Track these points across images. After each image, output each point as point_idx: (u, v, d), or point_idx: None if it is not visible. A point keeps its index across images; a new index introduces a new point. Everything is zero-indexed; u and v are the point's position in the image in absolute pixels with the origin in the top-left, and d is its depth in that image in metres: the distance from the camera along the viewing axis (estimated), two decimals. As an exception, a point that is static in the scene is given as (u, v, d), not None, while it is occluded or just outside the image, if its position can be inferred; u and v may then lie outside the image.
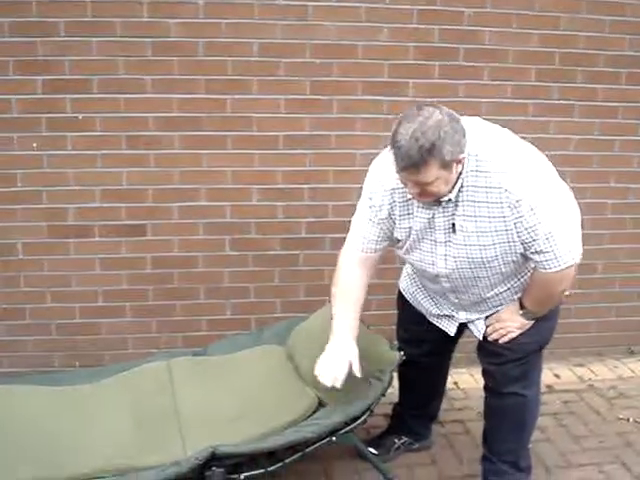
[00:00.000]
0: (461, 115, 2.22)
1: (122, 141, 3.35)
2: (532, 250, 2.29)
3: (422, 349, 2.80)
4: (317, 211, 3.57)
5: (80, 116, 3.30)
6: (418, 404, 3.07)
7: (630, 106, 3.72)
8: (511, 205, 2.20)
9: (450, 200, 2.28)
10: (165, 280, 3.56)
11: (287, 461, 2.49)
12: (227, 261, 3.57)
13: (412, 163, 2.10)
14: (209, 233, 3.52)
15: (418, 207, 2.36)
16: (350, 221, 3.45)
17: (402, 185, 2.29)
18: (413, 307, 2.80)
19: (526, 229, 2.24)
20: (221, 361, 3.01)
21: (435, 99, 3.46)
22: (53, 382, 2.94)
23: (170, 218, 3.47)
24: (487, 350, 2.64)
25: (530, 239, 2.26)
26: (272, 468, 2.47)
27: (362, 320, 2.89)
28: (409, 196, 2.31)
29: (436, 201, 2.29)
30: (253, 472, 2.45)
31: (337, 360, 2.45)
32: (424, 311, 2.75)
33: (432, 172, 2.13)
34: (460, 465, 3.07)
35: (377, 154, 3.46)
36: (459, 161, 2.17)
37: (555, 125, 3.66)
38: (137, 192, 3.42)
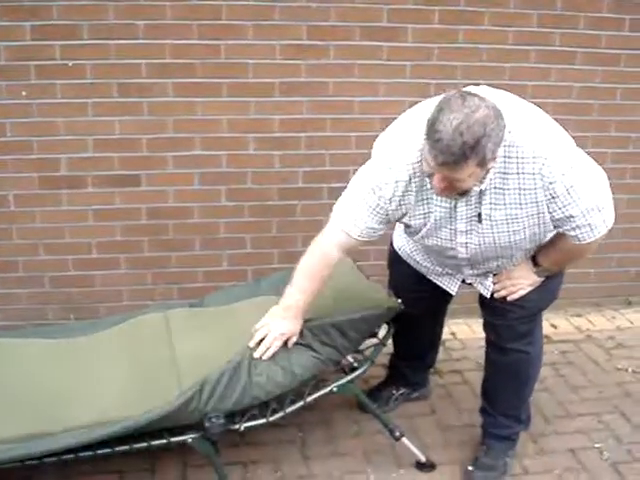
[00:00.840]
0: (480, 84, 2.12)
1: (113, 89, 3.26)
2: (567, 227, 2.19)
3: (417, 308, 2.73)
4: (314, 160, 3.50)
5: (70, 63, 3.20)
6: (414, 356, 3.05)
7: (633, 54, 3.63)
8: (545, 187, 2.07)
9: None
10: (160, 231, 3.50)
11: (288, 411, 2.47)
12: (223, 212, 3.52)
13: (452, 160, 1.90)
14: (204, 183, 3.46)
15: (438, 196, 2.20)
16: (349, 171, 3.47)
17: (419, 173, 2.14)
18: (409, 266, 2.71)
19: (560, 209, 2.12)
20: (219, 312, 2.96)
21: (435, 45, 3.42)
22: (48, 335, 2.88)
23: (165, 168, 3.40)
24: (493, 307, 2.56)
25: (565, 218, 2.15)
26: (273, 418, 2.46)
27: (361, 269, 2.87)
28: (428, 185, 2.16)
29: (460, 194, 2.12)
30: (253, 422, 2.44)
31: (276, 333, 2.43)
32: (423, 270, 2.67)
33: (469, 170, 1.95)
34: (459, 415, 3.07)
35: (375, 102, 3.46)
36: (495, 158, 2.00)
37: (557, 72, 3.58)
38: (130, 141, 3.34)
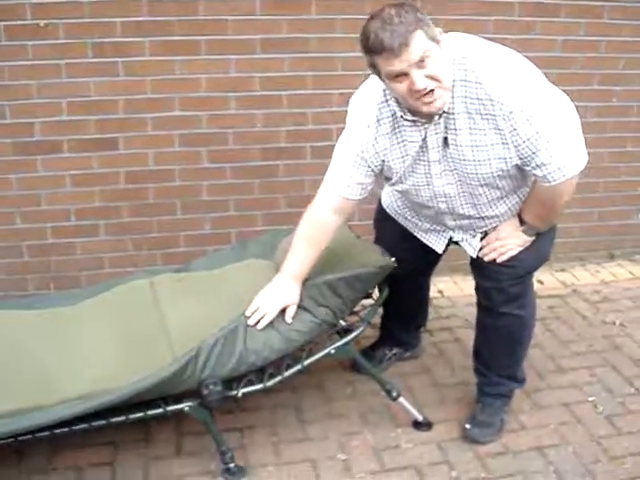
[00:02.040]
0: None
1: (88, 49, 3.13)
2: (533, 164, 2.13)
3: (403, 267, 2.67)
4: (297, 119, 3.42)
5: (42, 23, 3.06)
6: (404, 316, 3.02)
7: (616, 5, 3.59)
8: (505, 117, 2.04)
9: (444, 112, 2.10)
10: (140, 195, 3.41)
11: (285, 375, 2.44)
12: (204, 174, 3.43)
13: (402, 37, 1.90)
14: (185, 145, 3.36)
15: (409, 130, 2.20)
16: (332, 129, 3.41)
17: (387, 113, 2.20)
18: (396, 224, 2.68)
19: (524, 142, 2.07)
20: (206, 276, 2.89)
21: None
22: (30, 306, 2.80)
23: (143, 130, 3.30)
24: (483, 268, 2.52)
25: (529, 152, 2.09)
26: (270, 383, 2.42)
27: (351, 228, 2.82)
28: (399, 121, 2.19)
29: (429, 117, 2.12)
30: (251, 388, 2.40)
31: (274, 301, 2.40)
32: (411, 226, 2.64)
33: (422, 42, 1.93)
34: (452, 372, 3.06)
35: (358, 58, 3.36)
36: (439, 42, 1.99)
37: (541, 25, 3.53)
38: (106, 103, 3.23)
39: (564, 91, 3.51)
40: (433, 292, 3.60)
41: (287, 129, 3.43)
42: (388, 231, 2.74)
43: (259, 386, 2.41)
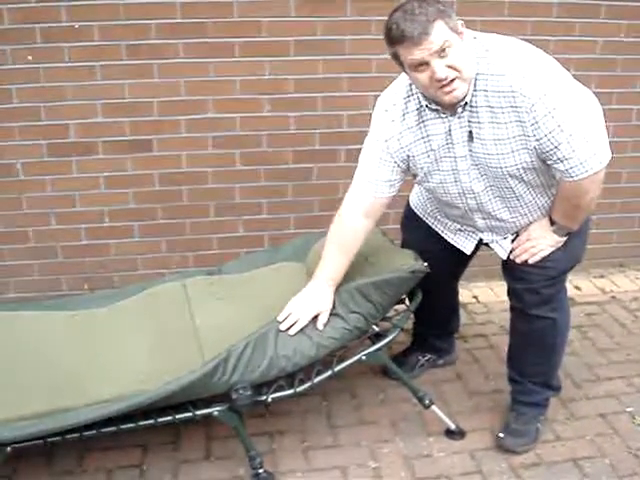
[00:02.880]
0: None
1: (122, 51, 3.14)
2: (555, 158, 2.11)
3: (431, 270, 2.62)
4: (331, 121, 3.39)
5: (77, 25, 3.08)
6: (435, 321, 2.98)
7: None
8: (527, 110, 2.05)
9: (466, 105, 2.12)
10: (174, 197, 3.41)
11: (315, 381, 2.41)
12: (238, 176, 3.42)
13: (422, 27, 1.95)
14: (218, 147, 3.35)
15: (433, 123, 2.22)
16: (366, 132, 3.36)
17: (412, 107, 2.23)
18: (424, 225, 2.65)
19: (546, 135, 2.06)
20: (237, 279, 2.88)
21: (455, -1, 3.29)
22: (64, 307, 2.82)
23: (177, 132, 3.30)
24: (515, 270, 2.47)
25: (551, 146, 2.08)
26: (300, 389, 2.40)
27: (384, 233, 2.79)
28: (423, 115, 2.22)
29: (452, 109, 2.15)
30: (280, 393, 2.38)
31: (306, 308, 2.39)
32: (439, 226, 2.61)
33: (443, 32, 1.98)
34: (486, 380, 3.01)
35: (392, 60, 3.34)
36: (461, 34, 2.05)
37: (581, 26, 3.45)
38: (141, 105, 3.24)
39: (605, 94, 3.50)
40: (468, 298, 3.58)
41: (321, 131, 3.40)
42: (415, 233, 2.70)
43: (289, 392, 2.39)
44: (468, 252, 2.60)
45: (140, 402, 2.21)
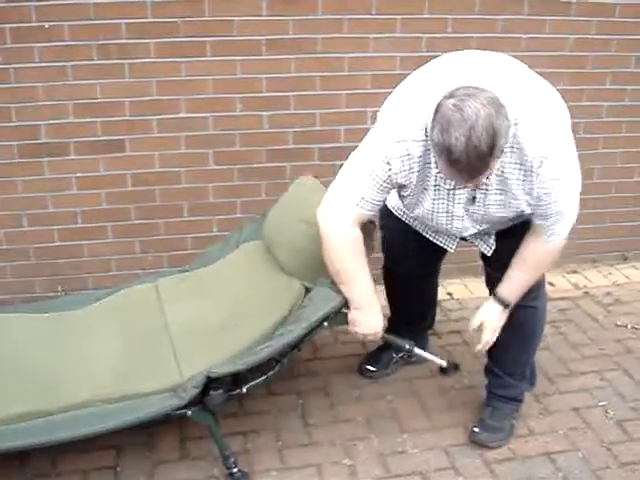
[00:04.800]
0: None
1: (93, 51, 3.11)
2: (539, 216, 2.21)
3: (410, 266, 2.67)
4: (304, 120, 3.38)
5: (47, 25, 3.05)
6: (411, 319, 2.97)
7: (628, 3, 3.53)
8: (539, 187, 2.09)
9: None
10: (147, 198, 3.39)
11: (285, 361, 2.44)
12: (211, 176, 3.40)
13: (476, 172, 1.93)
14: (191, 147, 3.33)
15: (441, 177, 2.15)
16: (340, 131, 3.39)
17: (421, 152, 2.10)
18: (403, 224, 2.61)
19: (540, 206, 2.15)
20: (206, 273, 2.88)
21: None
22: (38, 310, 2.81)
23: (149, 132, 3.27)
24: (497, 261, 2.48)
25: (542, 213, 2.18)
26: (272, 372, 2.42)
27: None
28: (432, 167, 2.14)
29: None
30: (254, 382, 2.40)
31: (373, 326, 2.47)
32: (420, 227, 2.58)
33: (491, 169, 1.98)
34: (460, 377, 3.01)
35: (365, 58, 3.34)
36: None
37: (551, 24, 3.47)
38: (113, 105, 3.20)
39: (576, 91, 3.52)
40: (442, 294, 3.59)
41: (294, 130, 3.40)
42: (395, 231, 2.68)
43: (262, 378, 2.40)
44: (452, 250, 2.59)
45: (125, 422, 2.22)
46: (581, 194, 3.66)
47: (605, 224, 3.96)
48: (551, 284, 3.75)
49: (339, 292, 2.40)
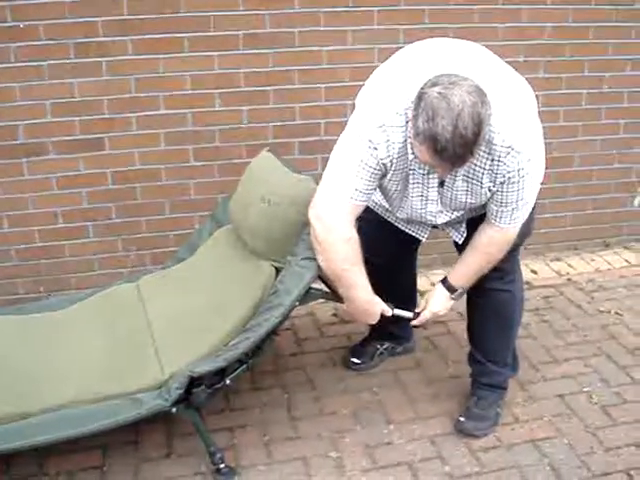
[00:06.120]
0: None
1: (70, 49, 3.09)
2: (496, 202, 2.22)
3: (385, 256, 2.65)
4: (284, 114, 3.38)
5: (22, 24, 3.02)
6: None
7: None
8: (503, 173, 2.10)
9: None
10: (128, 196, 3.37)
11: (264, 348, 2.47)
12: (192, 172, 3.40)
13: (461, 159, 1.95)
14: (171, 143, 3.32)
15: (416, 161, 2.14)
16: (319, 124, 3.38)
17: (402, 138, 2.09)
18: (374, 214, 2.58)
19: (501, 192, 2.17)
20: (183, 268, 2.88)
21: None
22: (19, 312, 2.79)
23: (128, 130, 3.26)
24: None
25: (501, 198, 2.19)
26: (252, 360, 2.44)
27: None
28: (410, 154, 2.13)
29: None
30: (236, 373, 2.40)
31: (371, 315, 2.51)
32: (391, 217, 2.57)
33: (468, 162, 2.01)
34: (445, 366, 3.03)
35: (343, 50, 3.34)
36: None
37: (527, 13, 3.48)
38: (91, 104, 3.18)
39: (555, 79, 3.53)
40: (426, 285, 3.59)
41: (274, 125, 3.39)
42: (368, 222, 2.57)
43: (243, 367, 2.41)
44: (423, 239, 2.60)
45: (109, 423, 2.22)
46: (561, 182, 3.79)
47: (587, 211, 3.98)
48: (534, 272, 3.78)
49: (308, 268, 2.37)
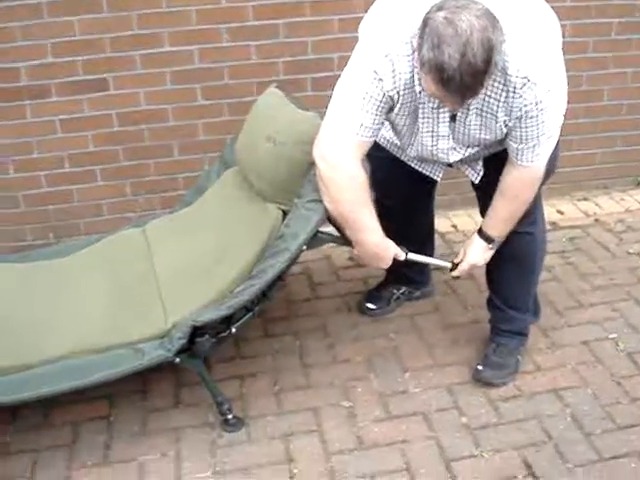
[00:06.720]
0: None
1: (68, -17, 2.96)
2: (515, 139, 2.07)
3: (399, 197, 2.54)
4: (295, 49, 3.21)
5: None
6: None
7: None
8: (519, 107, 1.95)
9: None
10: (135, 138, 3.25)
11: (271, 294, 2.37)
12: (200, 112, 3.26)
13: (470, 91, 1.80)
14: (177, 82, 3.18)
15: (424, 95, 1.99)
16: (333, 59, 3.21)
17: (409, 68, 1.93)
18: (387, 152, 2.45)
19: (521, 128, 2.02)
20: (191, 211, 2.78)
21: None
22: (24, 260, 2.72)
23: (132, 69, 3.12)
24: (489, 188, 2.31)
25: (520, 134, 2.04)
26: (258, 307, 2.34)
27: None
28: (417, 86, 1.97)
29: None
30: (242, 321, 2.31)
31: (383, 260, 2.36)
32: (403, 156, 2.42)
33: (478, 93, 1.85)
34: (464, 311, 2.92)
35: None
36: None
37: None
38: (92, 42, 3.04)
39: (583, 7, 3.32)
40: (447, 227, 3.48)
41: (285, 60, 3.23)
42: (379, 160, 2.44)
43: (249, 315, 2.32)
44: (438, 179, 2.46)
45: (115, 372, 2.16)
46: (590, 117, 3.60)
47: (616, 147, 3.78)
48: (560, 212, 3.62)
49: (315, 210, 2.24)
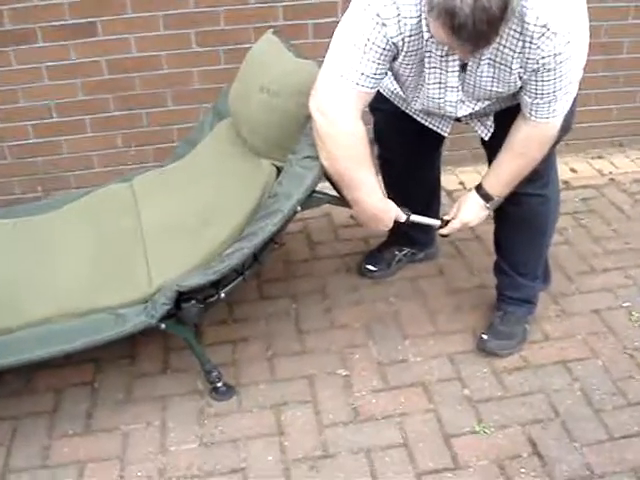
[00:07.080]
0: None
1: None
2: (531, 93, 1.92)
3: (399, 155, 2.40)
4: (295, -8, 3.02)
5: None
6: (412, 209, 2.68)
7: None
8: (536, 59, 1.79)
9: None
10: (126, 86, 3.09)
11: (262, 258, 2.24)
12: (195, 59, 3.08)
13: (483, 41, 1.64)
14: (171, 27, 2.99)
15: (432, 41, 1.83)
16: (336, 3, 3.02)
17: (416, 13, 1.77)
18: (393, 105, 2.30)
19: (537, 81, 1.87)
20: (181, 166, 2.62)
21: None
22: (8, 215, 2.58)
23: (122, 12, 2.93)
24: (499, 145, 2.15)
25: (536, 86, 1.89)
26: (248, 272, 2.21)
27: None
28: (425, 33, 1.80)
29: None
30: (231, 285, 2.18)
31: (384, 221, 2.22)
32: (409, 109, 2.27)
33: (491, 43, 1.70)
34: (470, 275, 2.78)
35: None
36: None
37: None
38: (78, -18, 2.87)
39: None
40: (454, 184, 3.33)
41: (284, 4, 3.04)
42: (384, 113, 2.35)
43: (239, 279, 2.19)
44: (445, 134, 2.30)
45: (70, 348, 2.03)
46: (608, 70, 3.40)
47: (635, 103, 3.59)
48: (573, 170, 3.45)
49: (310, 168, 2.08)
